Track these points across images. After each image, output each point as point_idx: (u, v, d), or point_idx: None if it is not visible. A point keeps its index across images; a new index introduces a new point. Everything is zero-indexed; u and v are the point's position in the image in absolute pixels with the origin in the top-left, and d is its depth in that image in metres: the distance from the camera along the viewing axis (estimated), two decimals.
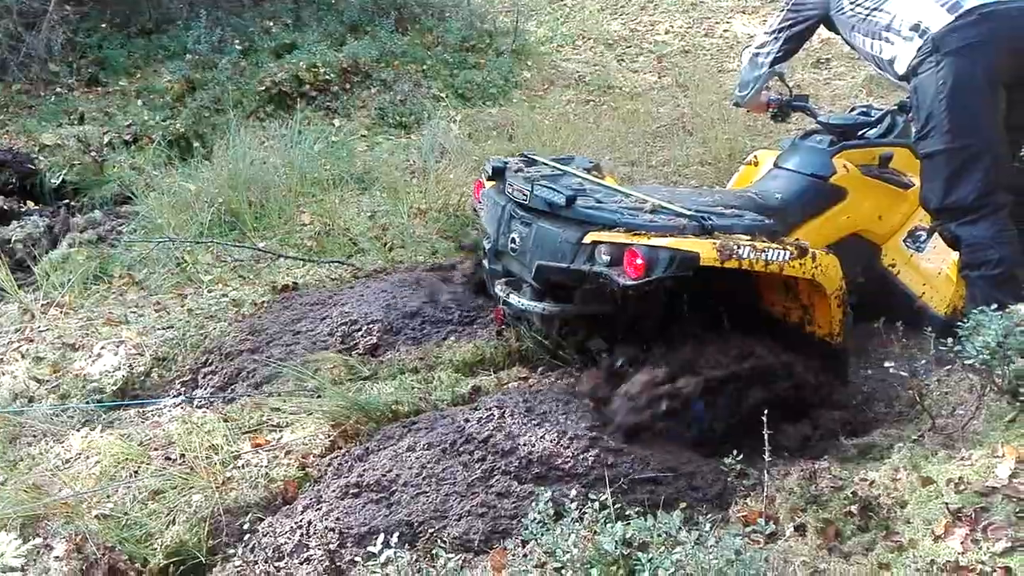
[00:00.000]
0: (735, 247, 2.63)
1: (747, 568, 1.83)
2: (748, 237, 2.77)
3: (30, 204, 6.05)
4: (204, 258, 4.68)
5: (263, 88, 7.27)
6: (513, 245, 3.05)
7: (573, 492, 2.23)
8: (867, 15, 3.10)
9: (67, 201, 6.15)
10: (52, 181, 6.28)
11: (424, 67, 8.08)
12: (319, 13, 8.83)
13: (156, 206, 5.24)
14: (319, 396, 3.04)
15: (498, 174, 3.33)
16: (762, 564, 1.85)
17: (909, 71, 2.99)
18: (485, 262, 3.35)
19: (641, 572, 1.86)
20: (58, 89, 7.47)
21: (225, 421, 2.96)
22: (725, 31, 9.61)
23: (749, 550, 1.87)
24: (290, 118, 6.42)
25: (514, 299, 3.08)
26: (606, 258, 2.70)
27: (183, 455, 2.76)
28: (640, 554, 1.90)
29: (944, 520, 2.00)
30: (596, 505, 2.12)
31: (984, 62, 2.86)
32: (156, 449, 2.82)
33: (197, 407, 3.18)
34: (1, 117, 7.01)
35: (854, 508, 2.19)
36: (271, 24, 8.52)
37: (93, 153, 6.52)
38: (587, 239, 2.77)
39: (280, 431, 2.92)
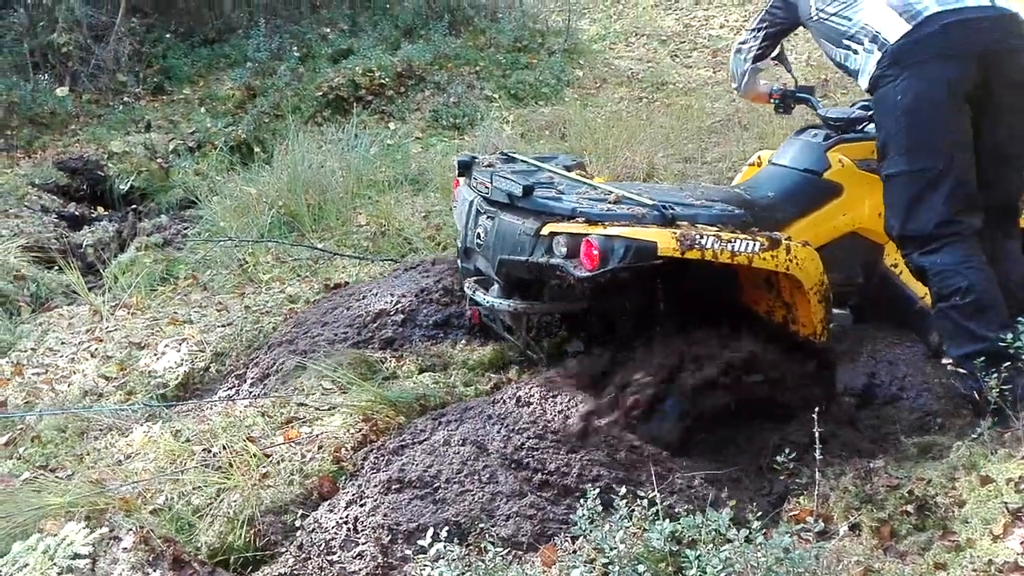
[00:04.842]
0: (697, 237, 2.46)
1: (796, 566, 1.81)
2: (714, 228, 2.61)
3: (100, 210, 6.32)
4: (265, 259, 4.82)
5: (320, 93, 7.45)
6: (479, 240, 2.93)
7: (623, 490, 2.22)
8: (827, 19, 2.90)
9: (135, 206, 6.41)
10: (121, 187, 6.56)
11: (477, 68, 8.16)
12: (374, 18, 8.98)
13: (219, 210, 5.42)
14: (345, 392, 3.05)
15: (466, 169, 3.20)
16: (811, 562, 1.82)
17: (871, 84, 2.79)
18: (459, 261, 3.24)
19: (689, 569, 1.86)
20: (125, 98, 7.77)
21: (262, 416, 3.01)
22: None
23: (798, 548, 1.85)
24: (347, 122, 6.55)
25: (480, 296, 2.96)
26: (563, 250, 2.55)
27: (224, 448, 2.79)
28: (688, 551, 1.90)
29: (1003, 520, 1.94)
30: (644, 503, 2.12)
31: (947, 75, 2.61)
32: (199, 445, 2.87)
33: (238, 401, 3.24)
34: (73, 127, 7.32)
35: (910, 507, 2.14)
36: (328, 30, 8.72)
37: (159, 160, 6.77)
38: (545, 230, 2.64)
39: (311, 425, 2.93)
